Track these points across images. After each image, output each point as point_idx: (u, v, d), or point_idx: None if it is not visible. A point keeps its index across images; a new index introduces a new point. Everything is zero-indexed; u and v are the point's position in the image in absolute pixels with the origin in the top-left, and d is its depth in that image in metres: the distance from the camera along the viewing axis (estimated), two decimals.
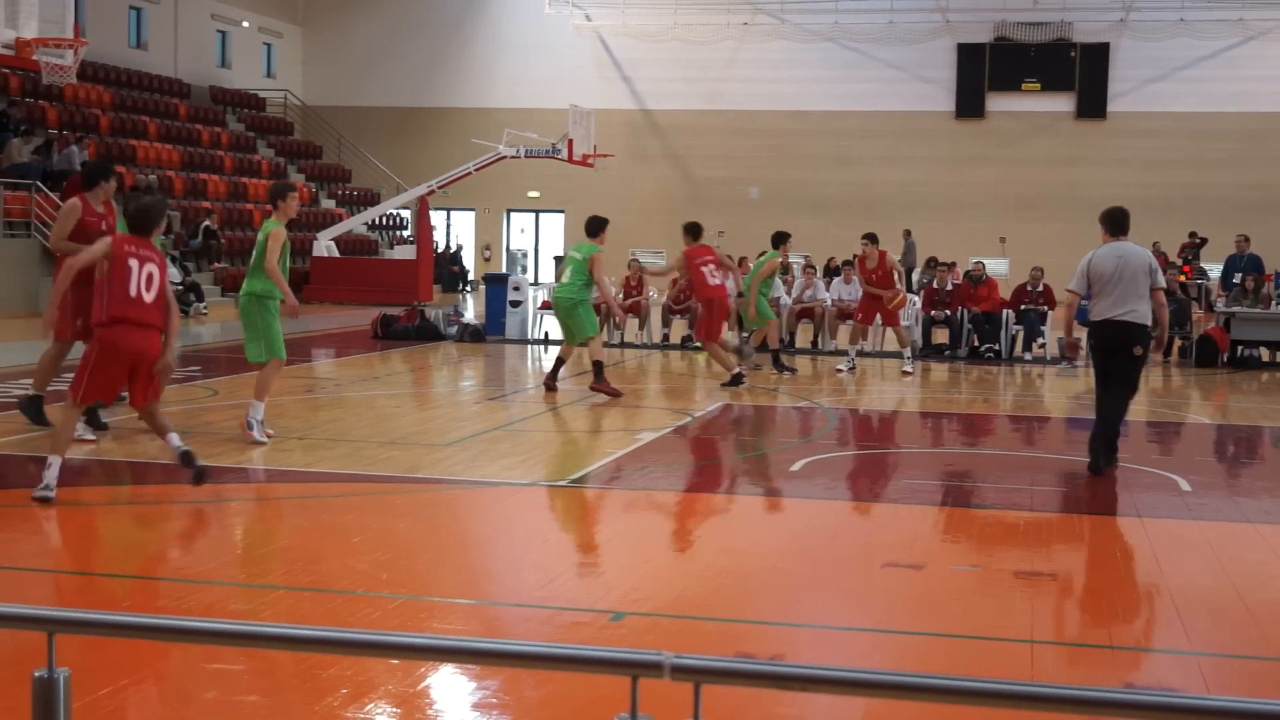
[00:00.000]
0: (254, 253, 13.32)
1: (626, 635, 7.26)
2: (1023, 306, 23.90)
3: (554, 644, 3.64)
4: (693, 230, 19.39)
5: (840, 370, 21.06)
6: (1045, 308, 23.92)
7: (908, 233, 41.48)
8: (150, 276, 10.28)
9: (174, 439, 10.51)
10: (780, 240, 21.60)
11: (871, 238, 21.60)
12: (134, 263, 10.23)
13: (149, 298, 10.26)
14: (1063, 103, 45.82)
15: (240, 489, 11.44)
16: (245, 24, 47.51)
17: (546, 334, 25.78)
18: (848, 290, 24.89)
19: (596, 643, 6.97)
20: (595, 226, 17.90)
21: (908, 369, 21.28)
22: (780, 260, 21.62)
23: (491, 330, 25.68)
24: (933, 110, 46.44)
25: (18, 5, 33.78)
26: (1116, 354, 12.61)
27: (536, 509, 11.03)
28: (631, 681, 3.29)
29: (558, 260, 24.07)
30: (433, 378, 20.25)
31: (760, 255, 22.62)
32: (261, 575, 8.50)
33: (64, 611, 3.74)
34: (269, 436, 13.16)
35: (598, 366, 17.56)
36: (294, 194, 13.51)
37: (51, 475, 10.12)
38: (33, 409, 13.48)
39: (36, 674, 3.60)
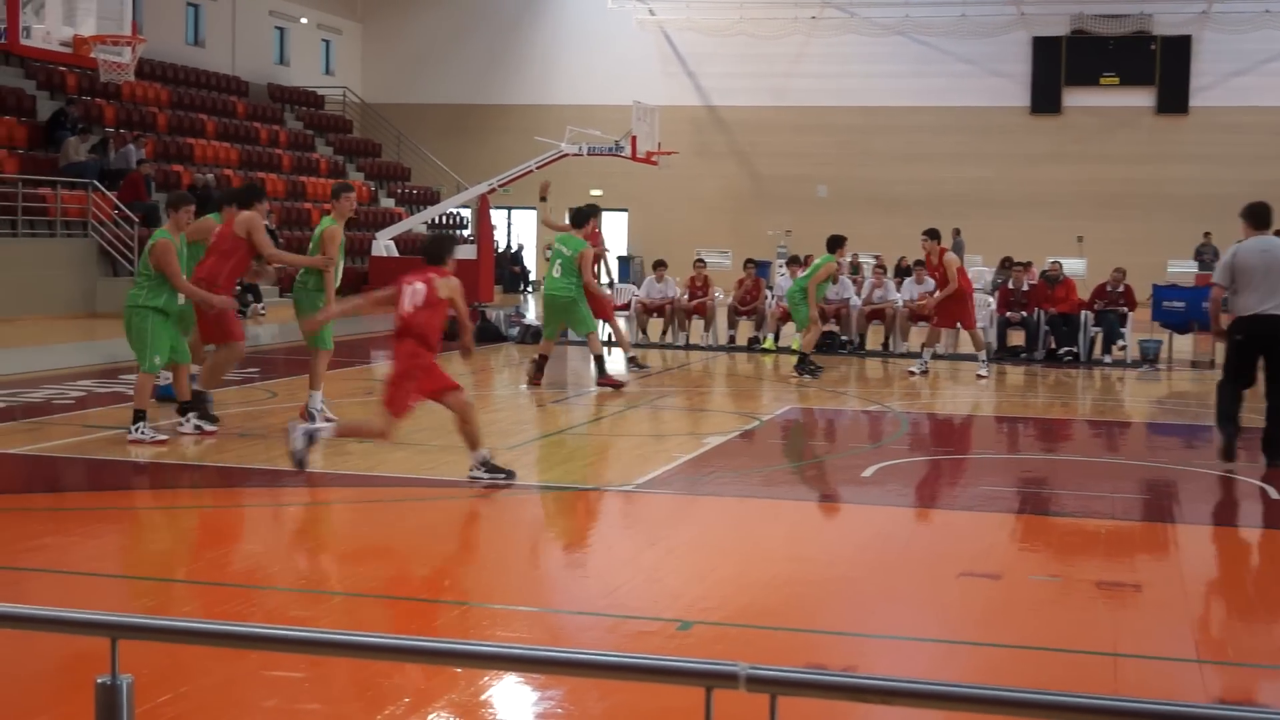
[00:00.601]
0: (310, 249, 14.02)
1: (694, 645, 7.24)
2: (1102, 308, 23.70)
3: (626, 653, 3.63)
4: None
5: (912, 373, 20.97)
6: (1126, 309, 23.70)
7: (957, 231, 41.21)
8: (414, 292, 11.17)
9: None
10: (836, 244, 21.38)
11: (931, 234, 21.63)
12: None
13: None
14: (1143, 97, 45.43)
15: (300, 493, 11.49)
16: (304, 20, 47.79)
17: (610, 336, 25.76)
18: (919, 290, 24.77)
19: (663, 652, 6.96)
20: (581, 218, 18.21)
21: (983, 373, 21.05)
22: (836, 265, 21.45)
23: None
24: (1007, 106, 46.14)
25: (75, 2, 34.07)
26: (1268, 349, 12.63)
27: (600, 514, 11.03)
28: (706, 693, 3.28)
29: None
30: (494, 380, 20.30)
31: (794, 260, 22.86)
32: (322, 581, 8.54)
33: (127, 617, 3.76)
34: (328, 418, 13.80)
35: (599, 361, 18.23)
36: (349, 194, 13.92)
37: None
38: (198, 406, 13.76)
39: (99, 680, 3.63)
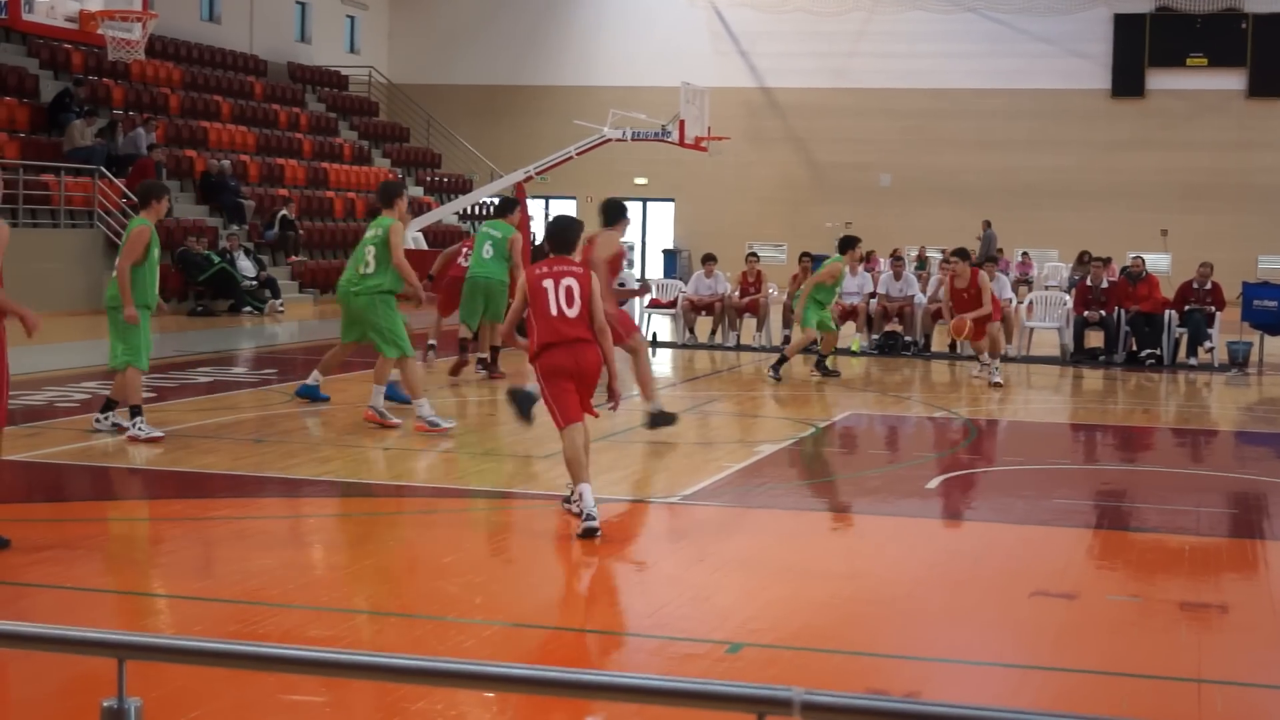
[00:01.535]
0: (372, 249, 14.44)
1: (744, 668, 7.24)
2: (1187, 307, 23.59)
3: (671, 677, 3.63)
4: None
5: (975, 376, 20.87)
6: (1213, 308, 23.57)
7: (987, 224, 41.07)
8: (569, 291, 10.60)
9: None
10: (849, 245, 21.24)
11: (962, 254, 21.36)
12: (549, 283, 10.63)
13: (571, 314, 10.53)
14: (1232, 80, 45.21)
15: (320, 503, 11.54)
16: None
17: (655, 335, 25.79)
18: (995, 288, 24.71)
19: (712, 676, 6.96)
20: (508, 205, 18.76)
21: (996, 379, 20.05)
22: (842, 267, 21.13)
23: None
24: (1086, 88, 45.99)
25: None
26: None
27: (644, 528, 11.03)
28: (757, 719, 3.28)
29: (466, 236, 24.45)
30: (530, 382, 20.30)
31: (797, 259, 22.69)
32: (344, 598, 8.57)
33: (135, 636, 3.78)
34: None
35: (495, 352, 19.03)
36: (404, 196, 15.21)
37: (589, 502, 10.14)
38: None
39: (105, 704, 3.65)
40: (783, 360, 20.18)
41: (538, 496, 11.60)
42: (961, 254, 21.31)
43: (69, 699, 6.54)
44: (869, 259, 29.38)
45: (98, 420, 14.07)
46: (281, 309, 30.96)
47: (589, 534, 9.92)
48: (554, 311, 10.44)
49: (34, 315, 9.84)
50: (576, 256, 11.04)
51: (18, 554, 9.25)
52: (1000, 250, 38.51)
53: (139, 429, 13.53)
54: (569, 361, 10.42)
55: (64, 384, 17.54)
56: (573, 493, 10.25)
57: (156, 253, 13.89)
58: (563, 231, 11.09)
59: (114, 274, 13.70)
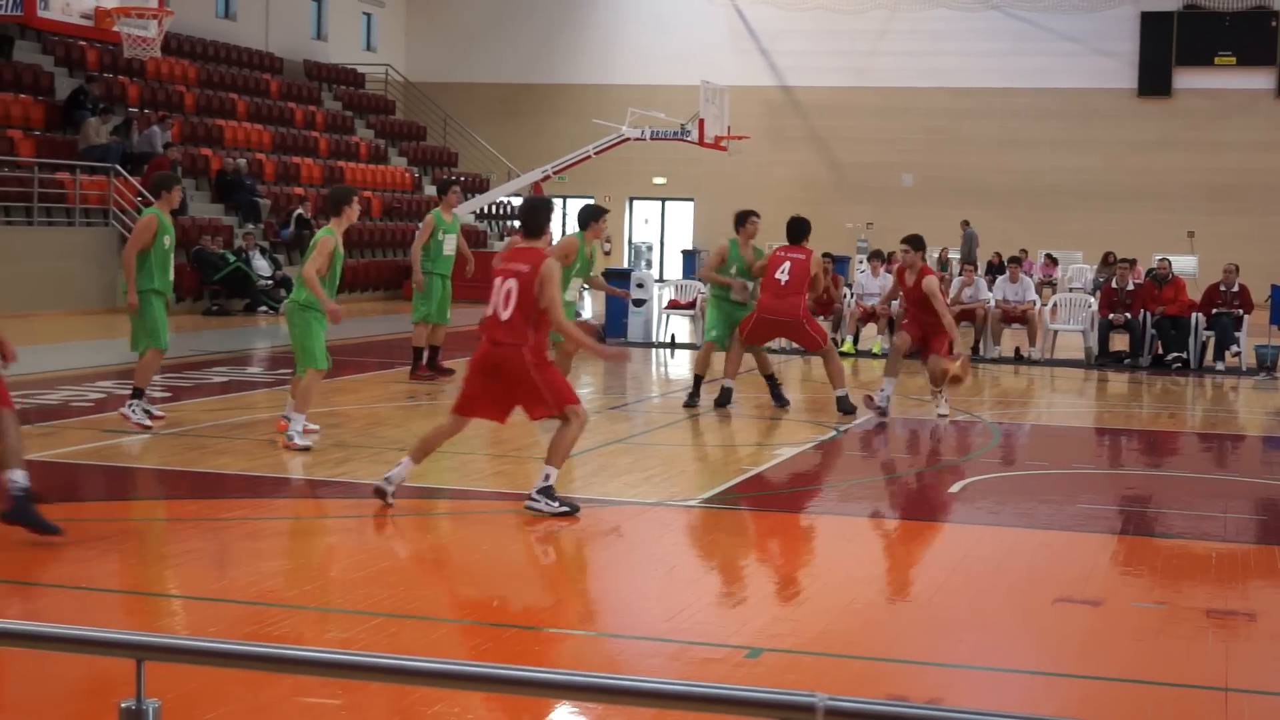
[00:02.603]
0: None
1: (764, 674, 7.26)
2: (1215, 310, 23.55)
3: (690, 681, 3.65)
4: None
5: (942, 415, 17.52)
6: (1241, 311, 23.52)
7: (966, 223, 40.93)
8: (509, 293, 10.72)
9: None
10: (741, 221, 17.85)
11: (914, 242, 17.34)
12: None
13: (504, 315, 10.67)
14: (1261, 79, 45.10)
15: (337, 505, 11.57)
16: None
17: (673, 336, 25.80)
18: (1013, 290, 24.71)
19: (731, 681, 6.97)
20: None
21: (943, 410, 17.07)
22: (729, 247, 17.50)
23: (611, 332, 25.76)
24: (1112, 88, 45.90)
25: None
26: None
27: (663, 531, 11.04)
28: None
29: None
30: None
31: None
32: (361, 601, 8.59)
33: (153, 637, 3.80)
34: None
35: (418, 353, 19.10)
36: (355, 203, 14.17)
37: None
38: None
39: (123, 705, 3.67)
40: (698, 382, 17.49)
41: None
42: (914, 242, 17.29)
43: (87, 700, 6.57)
44: (890, 260, 29.34)
45: (126, 407, 14.38)
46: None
47: (379, 493, 10.84)
48: (490, 311, 10.70)
49: (11, 347, 9.90)
50: (543, 241, 11.07)
51: (34, 553, 9.29)
52: (1024, 251, 38.42)
53: (131, 409, 14.09)
54: (488, 362, 10.75)
55: (79, 383, 17.59)
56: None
57: (168, 240, 14.38)
58: (532, 212, 11.20)
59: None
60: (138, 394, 14.22)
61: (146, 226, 14.29)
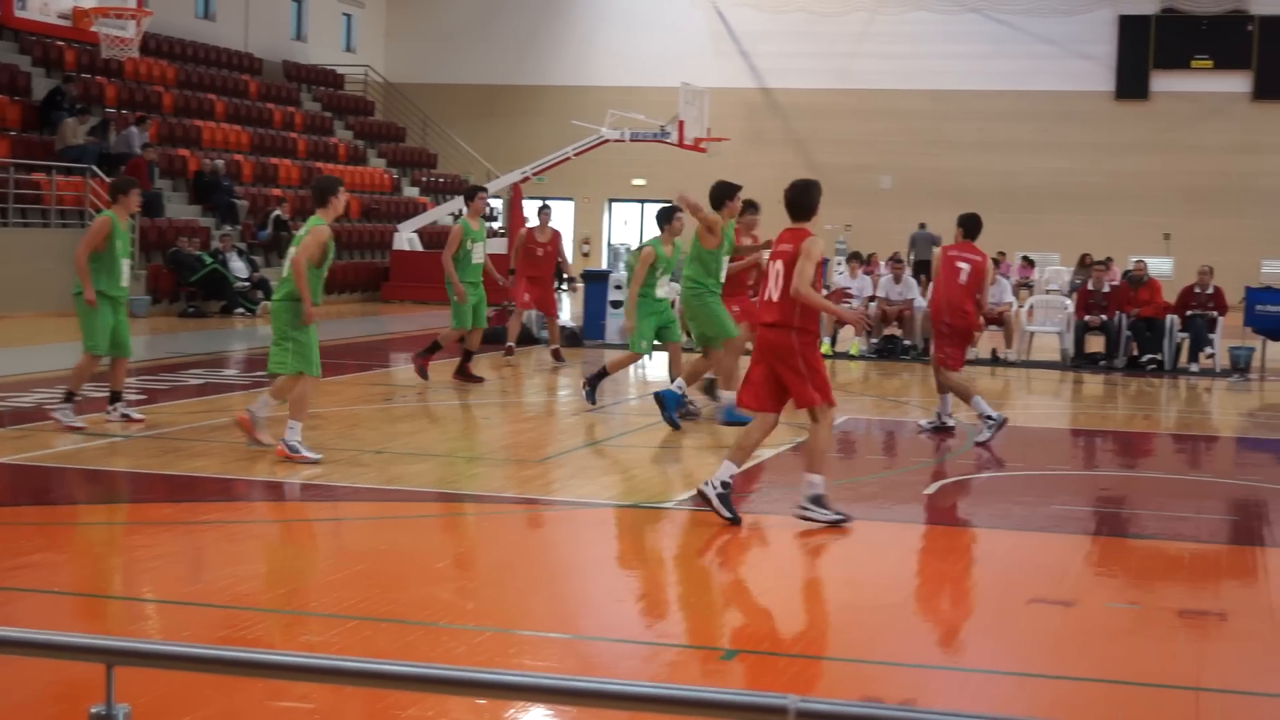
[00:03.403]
0: (292, 252, 13.46)
1: (739, 675, 7.27)
2: (1190, 312, 23.62)
3: (664, 684, 3.66)
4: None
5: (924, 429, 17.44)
6: (1215, 313, 23.60)
7: (922, 225, 40.84)
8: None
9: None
10: (665, 219, 16.60)
11: (752, 206, 16.51)
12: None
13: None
14: (1238, 82, 45.23)
15: (312, 508, 11.56)
16: None
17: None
18: (994, 292, 24.73)
19: (705, 683, 6.98)
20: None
21: (923, 424, 16.60)
22: (655, 250, 16.27)
23: (590, 334, 25.72)
24: (1090, 90, 46.02)
25: None
26: None
27: (638, 533, 11.05)
28: None
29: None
30: (524, 386, 20.34)
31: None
32: (335, 603, 8.59)
33: (124, 641, 3.80)
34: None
35: (467, 355, 19.12)
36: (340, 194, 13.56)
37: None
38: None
39: (93, 710, 3.67)
40: (602, 376, 16.83)
41: (530, 501, 11.62)
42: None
43: (56, 705, 6.56)
44: (869, 262, 29.39)
45: (107, 413, 14.51)
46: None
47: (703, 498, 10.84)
48: (764, 294, 11.03)
49: None
50: (811, 222, 11.12)
51: (4, 558, 9.27)
52: (1002, 253, 38.46)
53: (62, 412, 14.16)
54: (763, 344, 10.91)
55: (53, 385, 17.52)
56: None
57: (120, 245, 14.44)
58: (802, 193, 11.08)
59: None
60: (69, 397, 14.26)
61: (99, 229, 14.40)
